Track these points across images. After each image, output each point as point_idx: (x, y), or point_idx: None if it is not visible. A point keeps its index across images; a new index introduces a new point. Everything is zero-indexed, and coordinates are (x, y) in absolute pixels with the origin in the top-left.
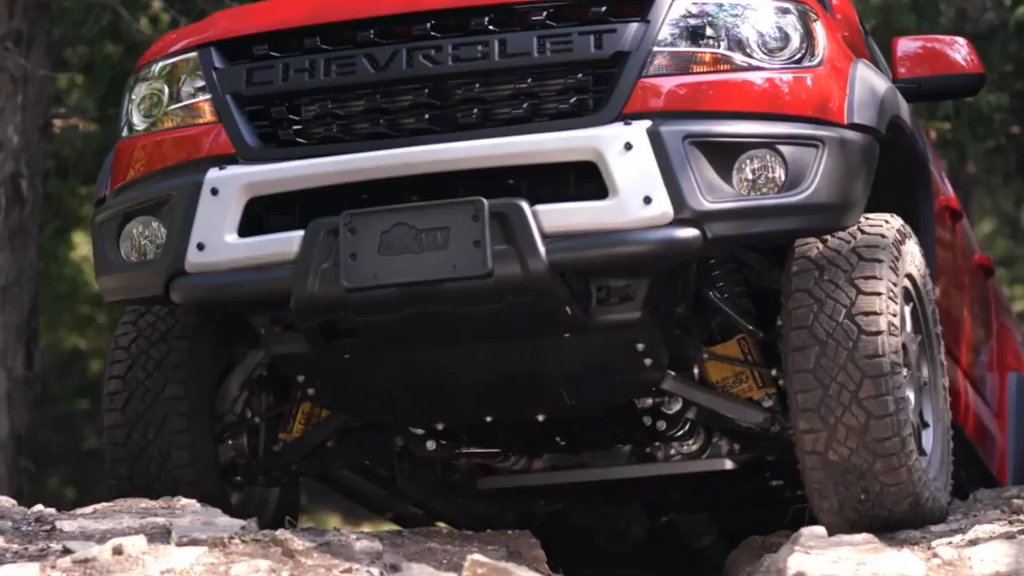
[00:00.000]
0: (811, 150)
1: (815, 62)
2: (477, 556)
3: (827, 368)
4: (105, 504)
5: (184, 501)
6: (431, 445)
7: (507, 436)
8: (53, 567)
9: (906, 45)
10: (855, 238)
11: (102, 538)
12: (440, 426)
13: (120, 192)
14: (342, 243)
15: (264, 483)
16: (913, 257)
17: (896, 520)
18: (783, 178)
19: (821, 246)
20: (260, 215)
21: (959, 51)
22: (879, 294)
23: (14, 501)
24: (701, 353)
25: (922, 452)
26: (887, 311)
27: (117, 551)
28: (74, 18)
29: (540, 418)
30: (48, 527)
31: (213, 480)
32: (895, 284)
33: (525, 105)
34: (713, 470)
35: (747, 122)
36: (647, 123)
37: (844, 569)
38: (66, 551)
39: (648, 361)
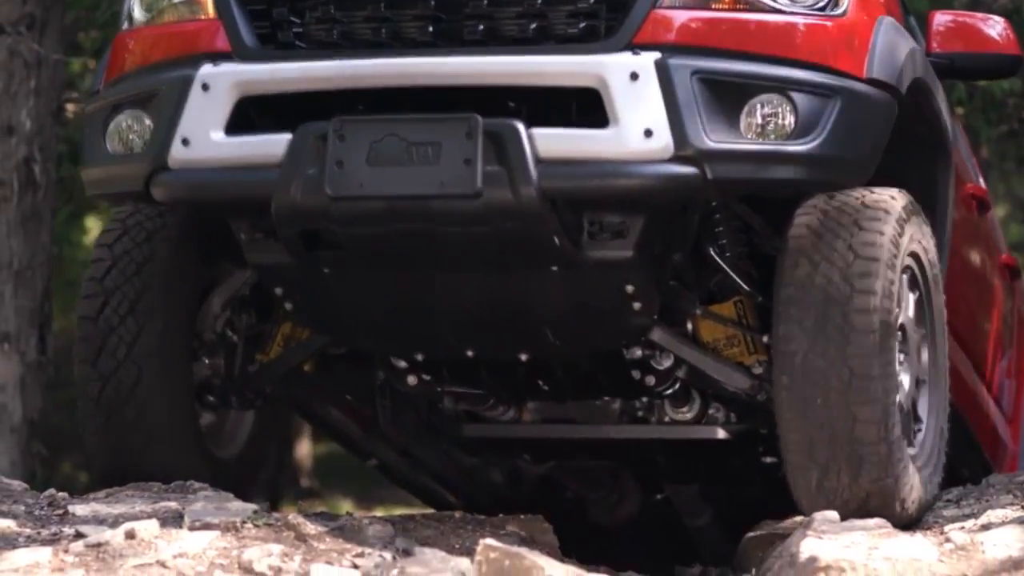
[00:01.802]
0: (824, 100)
1: (839, 11)
2: (490, 541)
3: (817, 322)
4: (118, 488)
5: (197, 485)
6: (412, 380)
7: (489, 376)
8: (66, 551)
9: (941, 19)
10: (858, 209)
11: (115, 522)
12: (420, 357)
13: (113, 84)
14: (330, 149)
15: (237, 405)
16: (920, 236)
17: (874, 506)
18: (792, 125)
19: (822, 215)
20: (251, 118)
21: (996, 29)
22: (877, 259)
23: (27, 485)
24: (695, 308)
25: (910, 444)
26: (884, 276)
27: (130, 535)
28: (87, 3)
29: (523, 358)
30: (61, 511)
31: (184, 404)
32: (895, 257)
33: (533, 26)
34: (705, 438)
35: (760, 64)
36: (656, 55)
37: (857, 553)
38: (79, 535)
39: (637, 305)
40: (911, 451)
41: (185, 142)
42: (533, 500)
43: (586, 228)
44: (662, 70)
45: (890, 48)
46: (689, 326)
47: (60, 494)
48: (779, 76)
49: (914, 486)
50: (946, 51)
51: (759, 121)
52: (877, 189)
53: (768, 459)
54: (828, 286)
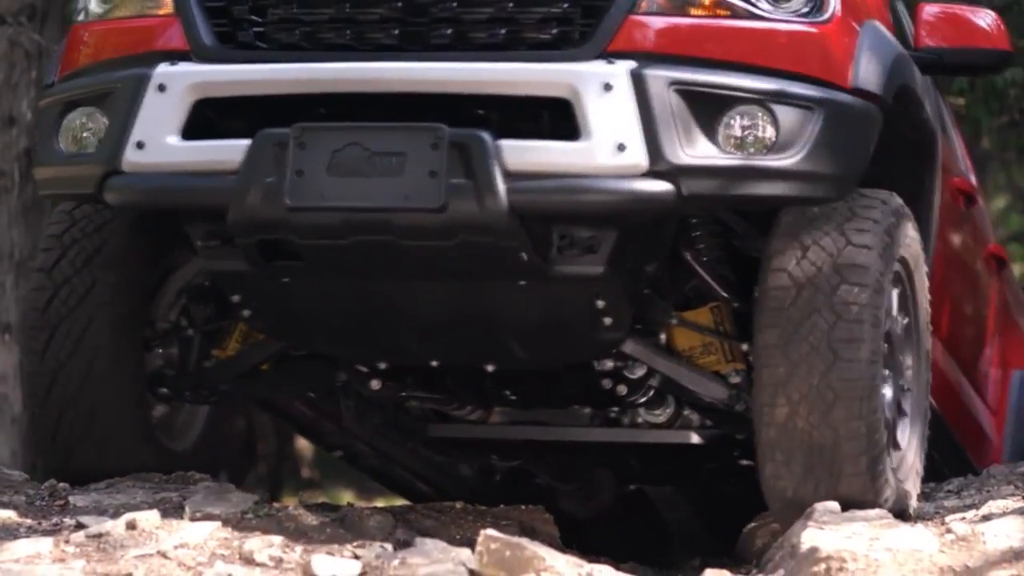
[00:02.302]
0: (806, 112)
1: (823, 17)
2: (490, 531)
3: (801, 309)
4: (118, 479)
5: (198, 476)
6: (376, 384)
7: (455, 383)
8: (67, 542)
9: (931, 10)
10: (847, 215)
11: (115, 513)
12: (383, 365)
13: (67, 79)
14: (290, 157)
15: (190, 400)
16: (908, 240)
17: (853, 502)
18: (773, 139)
19: (808, 221)
20: (210, 121)
21: (986, 21)
22: (866, 268)
23: (27, 476)
24: (670, 317)
25: (896, 446)
26: (873, 286)
27: (131, 526)
28: None
29: (490, 368)
30: (61, 502)
31: (136, 398)
32: (885, 265)
33: (504, 31)
34: (678, 442)
35: (740, 75)
36: (631, 64)
37: (858, 544)
38: (80, 526)
39: (608, 320)
40: (892, 462)
41: (139, 145)
42: (505, 492)
43: (555, 243)
44: (637, 80)
45: (876, 55)
46: (663, 335)
47: (61, 484)
48: (759, 88)
49: (891, 495)
50: (935, 46)
51: (738, 134)
52: (867, 191)
53: (744, 462)
54: (813, 297)
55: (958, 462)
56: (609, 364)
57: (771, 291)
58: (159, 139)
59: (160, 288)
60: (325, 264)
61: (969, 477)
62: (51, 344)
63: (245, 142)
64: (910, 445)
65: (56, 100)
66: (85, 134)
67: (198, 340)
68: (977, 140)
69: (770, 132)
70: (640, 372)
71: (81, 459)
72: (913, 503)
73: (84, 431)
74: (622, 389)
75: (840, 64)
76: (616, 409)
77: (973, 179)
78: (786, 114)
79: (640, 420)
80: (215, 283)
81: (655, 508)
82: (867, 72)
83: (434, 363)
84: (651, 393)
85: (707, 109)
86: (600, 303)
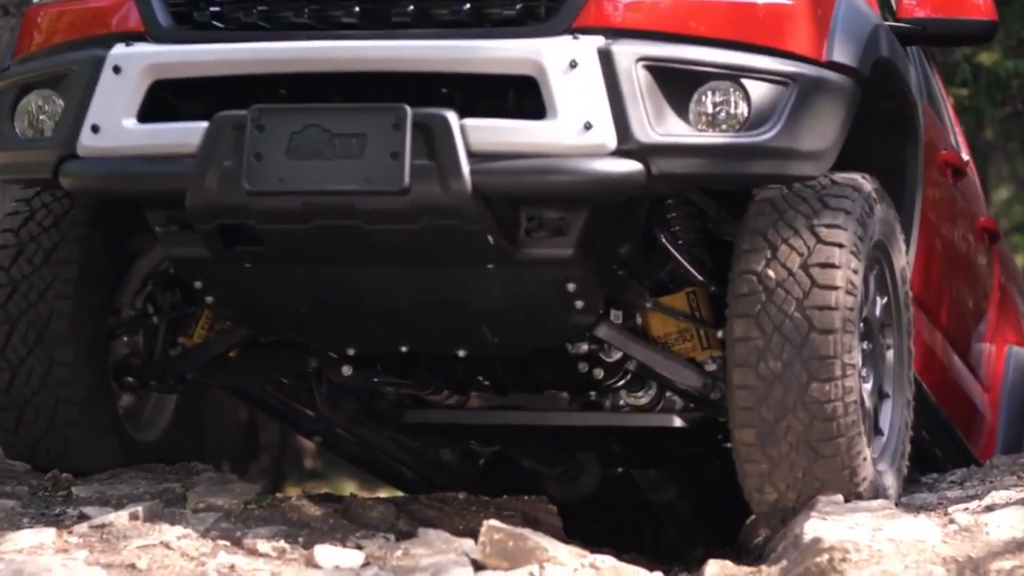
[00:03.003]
0: (780, 87)
1: None
2: (493, 522)
3: (773, 317)
4: (121, 469)
5: (200, 466)
6: (347, 371)
7: (426, 369)
8: (70, 532)
9: None
10: (821, 197)
11: (118, 503)
12: (351, 352)
13: (23, 62)
14: (247, 141)
15: (156, 389)
16: (883, 221)
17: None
18: (745, 115)
19: (783, 203)
20: (168, 103)
21: None
22: (841, 246)
23: (30, 466)
24: (644, 301)
25: (878, 431)
26: (847, 268)
27: (134, 516)
28: None
29: (461, 354)
30: (64, 492)
31: (101, 389)
32: (859, 247)
33: (467, 7)
34: (660, 426)
35: (711, 49)
36: (598, 40)
37: (861, 535)
38: (83, 516)
39: (579, 304)
40: (871, 448)
41: (95, 129)
42: (486, 476)
43: (523, 225)
44: (604, 57)
45: (852, 28)
46: (639, 319)
47: (64, 475)
48: (731, 63)
49: (868, 477)
50: (919, 16)
51: (709, 111)
52: (841, 175)
53: (728, 445)
54: (787, 280)
55: (950, 442)
56: (584, 348)
57: (740, 297)
58: (115, 122)
59: (125, 275)
60: (286, 250)
61: (972, 468)
62: (11, 340)
63: (203, 125)
64: (892, 428)
65: (11, 83)
66: (42, 117)
67: (163, 328)
68: (980, 131)
69: (743, 108)
70: (617, 355)
71: (44, 453)
72: (894, 485)
73: (47, 425)
74: (598, 373)
75: (814, 37)
76: (594, 393)
77: (964, 153)
78: (759, 89)
79: (622, 403)
80: (178, 270)
81: (640, 492)
82: (842, 45)
83: (403, 349)
84: (628, 377)
85: (677, 85)
86: (571, 286)
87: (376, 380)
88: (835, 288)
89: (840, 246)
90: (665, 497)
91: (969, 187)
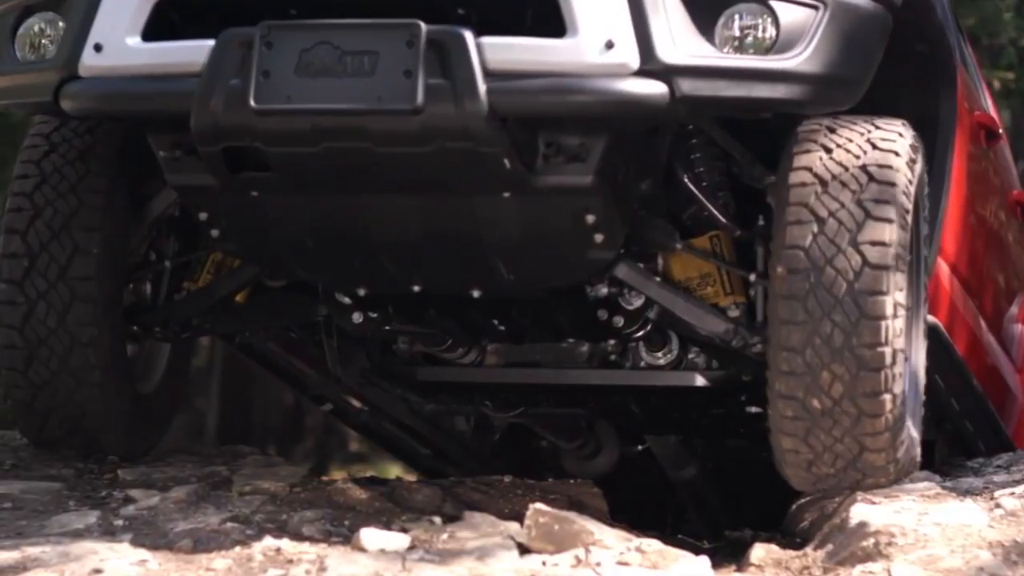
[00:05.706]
0: (810, 11)
1: None
2: (539, 505)
3: (822, 300)
4: (167, 452)
5: (246, 449)
6: (358, 317)
7: (438, 313)
8: (116, 515)
9: None
10: (865, 154)
11: (164, 486)
12: (362, 291)
13: None
14: (255, 58)
15: (160, 335)
16: (918, 176)
17: (867, 484)
18: (774, 38)
19: (826, 159)
20: (173, 22)
21: None
22: (891, 221)
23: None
24: (675, 241)
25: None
26: (896, 243)
27: (179, 499)
28: None
29: (475, 294)
30: (110, 475)
31: (117, 336)
32: (907, 212)
33: None
34: (682, 385)
35: None
36: None
37: (907, 519)
38: (128, 499)
39: (599, 237)
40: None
41: (98, 48)
42: (502, 450)
43: (541, 150)
44: None
45: None
46: (660, 262)
47: (110, 457)
48: None
49: (900, 457)
50: None
51: (736, 33)
52: (881, 122)
53: (752, 409)
54: (836, 257)
55: (984, 418)
56: (604, 291)
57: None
58: (118, 41)
59: (136, 219)
60: (294, 175)
61: (1019, 452)
62: (30, 274)
63: (209, 43)
64: (907, 389)
65: (12, 6)
66: (44, 40)
67: (169, 273)
68: None
69: (771, 32)
70: (637, 302)
71: (55, 400)
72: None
73: (61, 368)
74: (618, 320)
75: None
76: (613, 342)
77: (993, 109)
78: (788, 12)
79: (642, 362)
80: (183, 205)
81: (660, 473)
82: None
83: (415, 288)
84: (649, 327)
85: (703, 6)
86: (590, 218)
87: (388, 328)
88: (890, 221)
89: (890, 222)
90: (686, 474)
91: (1002, 156)
